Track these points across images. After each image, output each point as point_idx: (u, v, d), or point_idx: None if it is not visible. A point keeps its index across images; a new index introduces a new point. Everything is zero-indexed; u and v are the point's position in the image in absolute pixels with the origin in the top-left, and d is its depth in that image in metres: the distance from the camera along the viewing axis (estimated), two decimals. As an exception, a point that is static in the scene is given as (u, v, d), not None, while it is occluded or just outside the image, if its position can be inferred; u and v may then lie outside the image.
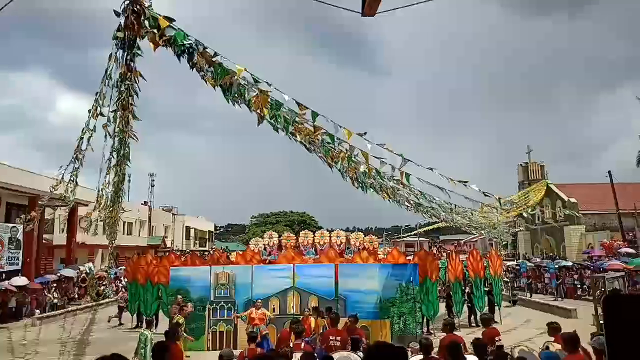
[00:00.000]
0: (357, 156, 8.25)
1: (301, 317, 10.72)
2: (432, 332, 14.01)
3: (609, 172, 30.93)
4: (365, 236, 20.91)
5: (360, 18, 5.70)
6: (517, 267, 28.25)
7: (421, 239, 60.13)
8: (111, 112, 8.12)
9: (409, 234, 66.53)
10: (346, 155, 8.38)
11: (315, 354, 6.51)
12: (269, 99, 6.56)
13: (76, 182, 10.14)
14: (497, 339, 7.06)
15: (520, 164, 47.93)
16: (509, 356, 5.80)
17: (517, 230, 46.09)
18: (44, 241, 28.45)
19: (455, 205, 12.49)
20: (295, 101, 7.19)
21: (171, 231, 54.40)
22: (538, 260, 31.46)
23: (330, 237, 20.12)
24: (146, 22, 5.49)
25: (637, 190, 31.12)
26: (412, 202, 12.59)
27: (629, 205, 26.14)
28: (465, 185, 9.07)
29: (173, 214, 56.37)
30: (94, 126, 8.51)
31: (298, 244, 19.74)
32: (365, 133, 7.33)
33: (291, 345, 7.50)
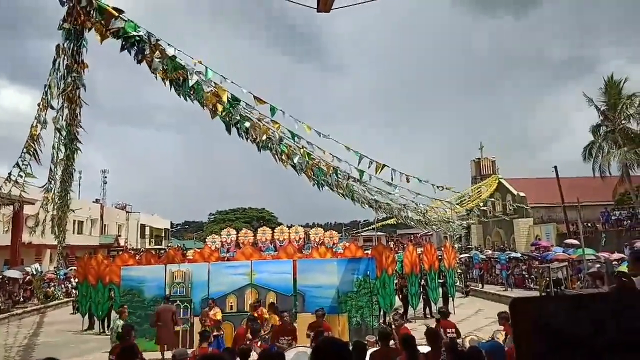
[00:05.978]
0: (313, 153, 8.26)
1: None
2: (389, 323, 14.28)
3: (555, 167, 32.53)
4: (325, 231, 21.01)
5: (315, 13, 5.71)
6: (470, 259, 29.16)
7: (379, 233, 60.90)
8: (58, 105, 7.79)
9: (367, 228, 67.37)
10: (304, 151, 8.37)
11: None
12: (225, 94, 6.45)
13: (31, 174, 9.67)
14: (448, 331, 7.29)
15: (473, 160, 49.48)
16: (458, 345, 6.02)
17: (469, 223, 47.60)
18: (-15, 242, 26.93)
19: (408, 201, 12.73)
20: (253, 95, 7.10)
21: (125, 229, 52.69)
22: (489, 252, 32.57)
23: (289, 233, 20.07)
24: (93, 13, 5.27)
25: (580, 184, 32.92)
26: (367, 199, 12.76)
27: (573, 198, 27.55)
28: (420, 181, 9.29)
29: (127, 212, 54.60)
30: (44, 119, 8.14)
31: (256, 240, 19.58)
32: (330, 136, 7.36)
33: (247, 342, 7.45)
